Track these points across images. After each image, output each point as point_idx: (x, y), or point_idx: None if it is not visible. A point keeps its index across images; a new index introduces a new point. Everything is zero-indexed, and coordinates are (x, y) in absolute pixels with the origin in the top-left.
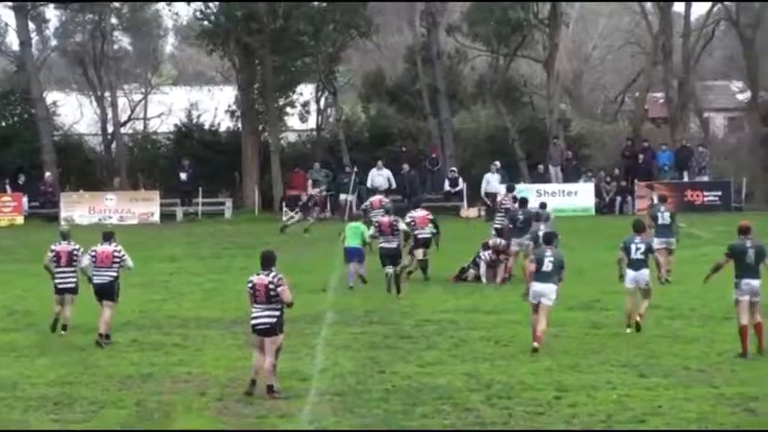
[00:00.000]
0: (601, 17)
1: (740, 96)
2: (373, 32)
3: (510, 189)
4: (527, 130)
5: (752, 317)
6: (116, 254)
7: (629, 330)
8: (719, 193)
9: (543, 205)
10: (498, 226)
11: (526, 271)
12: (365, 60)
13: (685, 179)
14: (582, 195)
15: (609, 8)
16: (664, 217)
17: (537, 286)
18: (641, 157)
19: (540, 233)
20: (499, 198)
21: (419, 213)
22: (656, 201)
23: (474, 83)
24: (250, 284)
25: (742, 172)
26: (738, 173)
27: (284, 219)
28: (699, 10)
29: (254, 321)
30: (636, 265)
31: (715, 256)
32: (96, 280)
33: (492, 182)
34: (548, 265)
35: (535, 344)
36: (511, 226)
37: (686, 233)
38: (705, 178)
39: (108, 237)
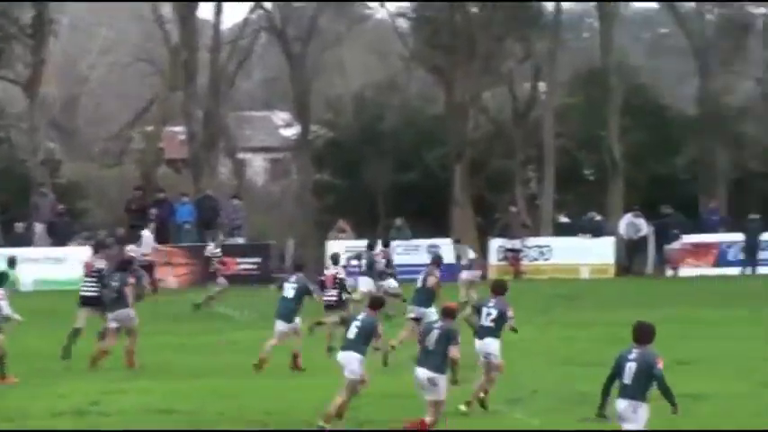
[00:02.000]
0: (101, 26)
1: (286, 132)
2: None
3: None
4: (3, 173)
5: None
6: None
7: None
8: (258, 260)
9: (371, 246)
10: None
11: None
12: None
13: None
14: (70, 263)
15: (111, 17)
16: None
17: (339, 355)
18: (153, 211)
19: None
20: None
21: (329, 272)
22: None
23: None
24: None
25: (288, 231)
26: (283, 232)
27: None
28: (233, 17)
29: None
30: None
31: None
32: None
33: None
34: (352, 331)
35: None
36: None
37: (219, 315)
38: (239, 240)
39: None
